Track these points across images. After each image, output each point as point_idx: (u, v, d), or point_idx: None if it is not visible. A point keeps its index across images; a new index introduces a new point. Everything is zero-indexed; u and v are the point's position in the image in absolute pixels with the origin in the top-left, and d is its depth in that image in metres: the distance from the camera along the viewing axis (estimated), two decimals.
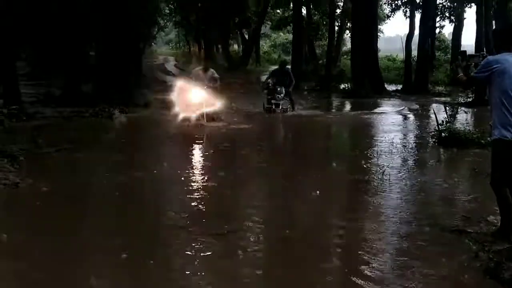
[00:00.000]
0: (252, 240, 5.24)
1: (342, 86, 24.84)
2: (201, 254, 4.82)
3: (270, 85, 15.42)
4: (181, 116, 12.55)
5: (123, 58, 16.05)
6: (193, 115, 12.51)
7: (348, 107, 19.48)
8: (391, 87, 24.93)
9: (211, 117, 12.91)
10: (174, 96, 13.05)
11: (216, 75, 13.34)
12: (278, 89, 15.08)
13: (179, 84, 13.30)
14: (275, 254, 5.06)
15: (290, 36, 37.33)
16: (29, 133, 10.80)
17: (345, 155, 10.18)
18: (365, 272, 4.49)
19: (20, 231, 5.39)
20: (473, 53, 5.73)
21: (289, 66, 16.73)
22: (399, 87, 25.01)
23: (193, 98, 12.48)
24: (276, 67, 16.45)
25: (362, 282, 4.29)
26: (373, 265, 4.61)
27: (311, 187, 7.44)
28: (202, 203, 6.42)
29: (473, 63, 5.39)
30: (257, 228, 5.59)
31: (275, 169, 8.54)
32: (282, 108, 15.31)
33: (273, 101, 15.11)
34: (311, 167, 8.91)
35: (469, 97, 19.03)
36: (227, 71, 34.26)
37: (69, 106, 15.03)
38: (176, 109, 12.84)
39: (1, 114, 10.20)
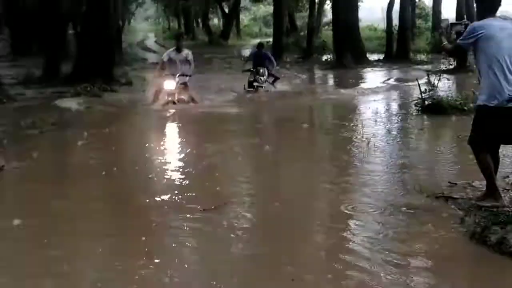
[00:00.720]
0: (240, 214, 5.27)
1: (324, 57, 24.84)
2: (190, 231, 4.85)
3: (251, 68, 14.53)
4: (154, 103, 11.76)
5: (102, 36, 15.80)
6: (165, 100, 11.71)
7: (331, 80, 19.47)
8: (373, 57, 24.94)
9: (184, 99, 11.87)
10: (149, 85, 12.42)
11: (190, 56, 12.05)
12: (261, 70, 14.25)
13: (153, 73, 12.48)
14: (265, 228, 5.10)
15: (270, 9, 36.98)
16: (11, 116, 10.70)
17: (329, 128, 10.20)
18: (352, 242, 4.54)
19: (7, 215, 5.36)
20: (455, 21, 5.70)
21: (267, 52, 15.38)
22: (381, 56, 25.04)
23: (164, 87, 11.69)
24: (257, 40, 15.65)
25: (348, 254, 4.33)
26: (360, 235, 4.66)
27: (297, 159, 7.48)
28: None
29: (454, 31, 5.37)
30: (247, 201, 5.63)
31: (262, 147, 8.54)
32: (264, 88, 14.43)
33: (255, 84, 14.26)
34: (298, 140, 8.95)
35: (451, 64, 19.09)
36: (208, 45, 34.11)
37: (50, 87, 14.89)
38: (150, 96, 12.18)
39: None
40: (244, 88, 14.46)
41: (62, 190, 6.20)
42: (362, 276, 3.90)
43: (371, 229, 4.78)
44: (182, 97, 11.78)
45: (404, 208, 5.22)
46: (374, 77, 19.05)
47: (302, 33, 30.63)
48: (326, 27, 38.59)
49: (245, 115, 11.81)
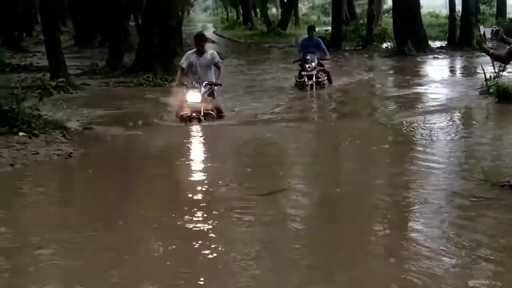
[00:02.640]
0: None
1: (384, 45, 24.44)
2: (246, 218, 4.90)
3: (300, 58, 13.06)
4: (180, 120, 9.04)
5: (163, 27, 16.06)
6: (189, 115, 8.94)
7: (392, 68, 18.98)
8: (435, 44, 24.34)
9: (212, 115, 9.06)
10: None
11: (217, 59, 9.25)
12: (308, 57, 12.70)
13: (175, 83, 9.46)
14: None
15: None
16: (78, 104, 11.06)
17: (391, 116, 10.02)
18: (415, 229, 4.51)
19: (76, 198, 5.58)
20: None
21: (319, 38, 13.66)
22: (444, 43, 24.41)
23: (187, 101, 8.89)
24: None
25: (411, 240, 4.30)
26: (423, 222, 4.61)
27: (358, 146, 7.45)
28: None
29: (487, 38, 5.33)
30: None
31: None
32: (317, 80, 12.79)
33: (303, 73, 12.71)
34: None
35: None
36: (266, 35, 34.13)
37: (114, 77, 15.31)
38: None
39: (49, 87, 10.43)
40: (295, 82, 13.07)
41: (126, 177, 6.39)
42: (428, 264, 3.86)
43: (435, 217, 4.72)
44: (211, 113, 9.02)
45: (470, 197, 5.12)
46: (436, 65, 18.62)
47: (361, 21, 30.20)
48: (386, 14, 37.91)
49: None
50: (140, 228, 4.70)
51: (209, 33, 38.26)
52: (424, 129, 8.18)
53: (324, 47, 13.43)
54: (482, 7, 35.56)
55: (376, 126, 9.21)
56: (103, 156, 7.43)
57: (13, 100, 8.91)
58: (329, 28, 28.06)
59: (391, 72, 17.93)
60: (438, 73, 16.06)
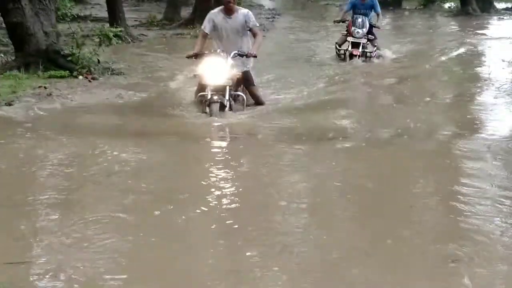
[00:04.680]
0: None
1: (446, 5, 23.62)
2: None
3: (345, 19, 10.74)
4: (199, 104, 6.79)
5: None
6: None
7: (456, 29, 18.04)
8: (500, 5, 23.31)
9: (241, 97, 6.87)
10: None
11: (252, 21, 6.85)
12: (359, 20, 10.28)
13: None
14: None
15: None
16: (135, 53, 11.14)
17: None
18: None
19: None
20: None
21: None
22: (509, 4, 23.36)
23: (207, 81, 6.48)
24: None
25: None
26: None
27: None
28: None
29: None
30: None
31: None
32: (364, 51, 10.32)
33: (350, 39, 10.28)
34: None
35: None
36: None
37: (171, 29, 15.34)
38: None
39: (109, 34, 10.48)
40: (336, 50, 10.73)
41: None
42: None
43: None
44: (240, 95, 6.85)
45: None
46: (502, 26, 17.84)
47: None
48: None
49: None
50: None
51: None
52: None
53: (380, 10, 10.69)
54: None
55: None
56: None
57: (74, 45, 9.06)
58: None
59: (455, 33, 17.08)
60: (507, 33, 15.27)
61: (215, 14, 6.85)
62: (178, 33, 14.50)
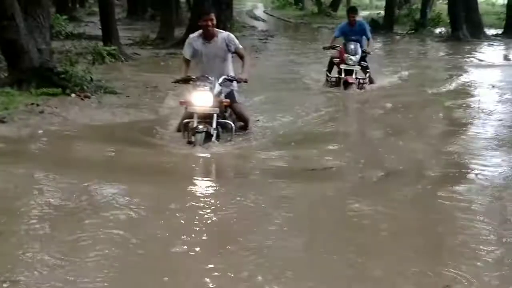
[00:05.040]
0: None
1: (437, 30, 23.90)
2: None
3: (335, 45, 10.24)
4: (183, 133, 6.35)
5: (215, 1, 16.07)
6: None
7: (446, 54, 18.22)
8: (490, 31, 23.61)
9: (229, 125, 6.36)
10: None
11: (234, 44, 6.43)
12: (352, 46, 9.86)
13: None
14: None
15: None
16: (128, 72, 11.18)
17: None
18: None
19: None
20: None
21: (361, 19, 10.93)
22: (499, 31, 23.65)
23: (198, 102, 6.05)
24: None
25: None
26: None
27: None
28: None
29: None
30: None
31: None
32: (357, 78, 9.82)
33: (343, 66, 9.80)
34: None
35: None
36: (317, 16, 33.76)
37: (164, 49, 15.41)
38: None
39: (102, 53, 10.57)
40: (327, 78, 10.32)
41: None
42: None
43: None
44: (228, 123, 6.34)
45: None
46: (492, 51, 18.06)
47: (415, 6, 29.60)
48: (441, 0, 37.02)
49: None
50: None
51: (259, 12, 38.16)
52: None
53: (370, 36, 10.42)
54: None
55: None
56: None
57: (67, 63, 9.10)
58: (381, 11, 27.56)
59: (445, 58, 17.26)
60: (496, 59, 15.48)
61: (194, 38, 6.43)
62: (171, 53, 14.53)
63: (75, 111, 7.56)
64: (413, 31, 23.76)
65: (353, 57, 9.77)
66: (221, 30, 6.60)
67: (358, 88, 9.82)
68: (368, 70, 10.20)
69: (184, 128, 6.20)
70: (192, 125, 5.99)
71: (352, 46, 9.85)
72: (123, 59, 12.86)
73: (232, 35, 6.52)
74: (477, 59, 15.71)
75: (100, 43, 13.45)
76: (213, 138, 6.01)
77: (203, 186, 5.19)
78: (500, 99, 9.53)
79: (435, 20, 24.92)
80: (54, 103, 7.72)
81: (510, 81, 11.44)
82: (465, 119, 8.11)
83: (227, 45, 6.37)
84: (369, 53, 10.23)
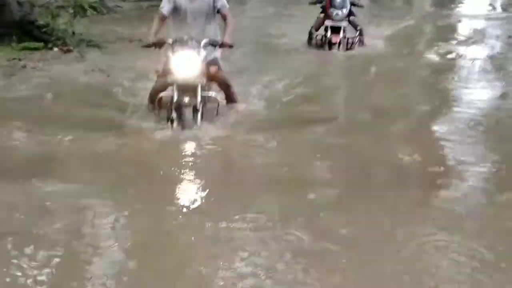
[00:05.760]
0: None
1: None
2: None
3: None
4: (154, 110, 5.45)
5: None
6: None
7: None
8: None
9: (214, 99, 5.45)
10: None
11: (222, 1, 5.46)
12: (338, 0, 8.78)
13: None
14: None
15: None
16: (111, 25, 11.02)
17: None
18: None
19: None
20: None
21: None
22: None
23: (180, 70, 5.09)
24: None
25: None
26: None
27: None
28: None
29: None
30: None
31: None
32: (345, 37, 8.74)
33: (328, 23, 8.71)
34: None
35: None
36: None
37: (146, 0, 15.13)
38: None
39: (84, 5, 10.34)
40: (310, 36, 9.10)
41: None
42: None
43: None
44: (213, 96, 5.45)
45: None
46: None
47: None
48: None
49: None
50: None
51: None
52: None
53: None
54: None
55: None
56: None
57: (48, 16, 8.95)
58: None
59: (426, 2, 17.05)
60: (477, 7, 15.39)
61: None
62: (154, 5, 14.26)
63: (58, 67, 7.47)
64: None
65: (339, 12, 8.65)
66: None
67: (347, 48, 8.68)
68: (358, 28, 8.95)
69: (158, 103, 5.29)
70: (173, 99, 5.04)
71: (338, 0, 8.72)
72: (105, 11, 12.63)
73: None
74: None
75: None
76: (199, 116, 5.08)
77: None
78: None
79: None
80: (37, 57, 7.64)
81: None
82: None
83: (214, 2, 5.43)
84: (361, 6, 9.17)
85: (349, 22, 8.87)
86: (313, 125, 5.33)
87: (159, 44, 5.21)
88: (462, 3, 16.83)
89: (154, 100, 5.32)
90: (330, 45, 8.66)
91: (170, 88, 5.18)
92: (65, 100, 6.11)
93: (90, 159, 4.45)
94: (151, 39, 5.22)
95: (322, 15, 8.97)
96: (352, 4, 8.84)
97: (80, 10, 9.67)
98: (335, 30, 8.67)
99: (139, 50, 5.70)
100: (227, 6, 5.53)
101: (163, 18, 5.38)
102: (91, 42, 8.80)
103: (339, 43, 8.63)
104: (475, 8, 15.50)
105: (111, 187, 3.91)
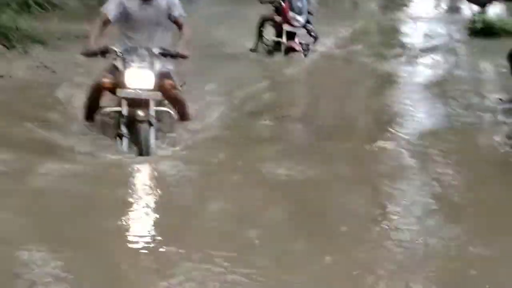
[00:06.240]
0: None
1: None
2: None
3: None
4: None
5: None
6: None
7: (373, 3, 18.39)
8: None
9: (169, 114, 4.97)
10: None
11: (178, 9, 4.97)
12: (298, 3, 8.10)
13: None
14: None
15: None
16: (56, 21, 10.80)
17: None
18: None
19: None
20: None
21: None
22: None
23: (130, 82, 4.57)
24: None
25: None
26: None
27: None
28: None
29: None
30: None
31: None
32: (301, 43, 8.23)
33: (286, 28, 8.02)
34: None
35: None
36: None
37: None
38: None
39: (29, 1, 10.12)
40: (257, 42, 8.48)
41: None
42: None
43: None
44: (167, 111, 4.93)
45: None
46: (423, 1, 18.39)
47: None
48: None
49: None
50: None
51: None
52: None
53: None
54: None
55: None
56: None
57: None
58: None
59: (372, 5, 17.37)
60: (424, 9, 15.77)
61: None
62: (101, 2, 14.07)
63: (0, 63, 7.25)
64: None
65: (299, 18, 8.04)
66: None
67: (301, 53, 8.21)
68: (313, 35, 8.46)
69: (103, 117, 4.76)
70: (122, 113, 4.50)
71: (298, 3, 8.07)
72: (50, 8, 12.35)
73: None
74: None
75: None
76: (151, 134, 4.49)
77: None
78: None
79: None
80: None
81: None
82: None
83: (170, 8, 4.89)
84: (311, 14, 8.51)
85: (306, 30, 8.33)
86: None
87: (104, 52, 4.63)
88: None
89: (93, 114, 4.82)
90: (288, 51, 8.08)
91: (108, 99, 4.74)
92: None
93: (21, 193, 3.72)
94: (91, 44, 4.62)
95: (277, 18, 8.21)
96: (308, 12, 8.30)
97: (24, 6, 9.43)
98: (291, 36, 8.09)
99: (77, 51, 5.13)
100: (184, 14, 4.98)
101: (106, 22, 4.80)
102: (35, 38, 8.58)
103: (293, 49, 8.07)
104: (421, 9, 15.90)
105: (46, 227, 3.29)
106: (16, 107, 5.45)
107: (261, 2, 8.50)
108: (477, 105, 6.18)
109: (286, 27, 8.00)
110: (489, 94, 6.64)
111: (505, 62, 6.08)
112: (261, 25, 8.44)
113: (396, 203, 3.82)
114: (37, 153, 4.26)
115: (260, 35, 8.46)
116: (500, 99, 6.06)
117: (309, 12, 8.30)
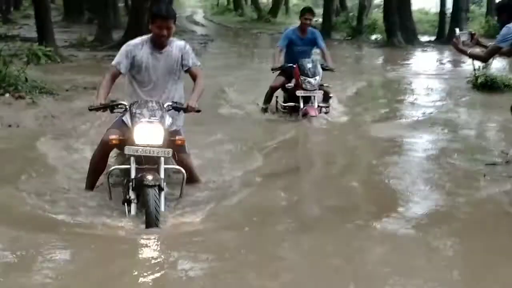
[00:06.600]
0: None
1: (373, 37, 24.59)
2: None
3: (285, 64, 7.85)
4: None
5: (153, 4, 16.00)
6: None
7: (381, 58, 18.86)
8: (423, 38, 24.42)
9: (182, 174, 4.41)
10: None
11: (192, 58, 4.65)
12: (308, 65, 7.56)
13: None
14: None
15: None
16: (65, 73, 10.97)
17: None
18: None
19: None
20: (461, 31, 5.87)
21: (315, 30, 8.24)
22: (432, 38, 24.50)
23: (139, 139, 4.18)
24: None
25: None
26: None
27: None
28: None
29: (463, 40, 5.55)
30: None
31: None
32: (319, 106, 7.61)
33: (299, 93, 7.49)
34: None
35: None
36: (256, 22, 34.02)
37: (102, 51, 15.20)
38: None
39: (38, 53, 10.31)
40: (280, 106, 8.08)
41: None
42: None
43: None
44: (180, 170, 4.45)
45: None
46: (426, 57, 18.70)
47: (351, 13, 30.32)
48: (377, 9, 37.98)
49: None
50: None
51: (199, 18, 38.12)
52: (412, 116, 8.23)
53: (324, 45, 8.11)
54: (471, 6, 35.74)
55: None
56: None
57: (0, 63, 8.84)
58: (319, 19, 28.10)
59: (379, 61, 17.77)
60: (427, 64, 15.99)
61: (137, 46, 4.56)
62: (109, 55, 14.33)
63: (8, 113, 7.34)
64: (350, 38, 24.30)
65: (312, 80, 7.45)
66: (174, 38, 4.72)
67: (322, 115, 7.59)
68: (331, 95, 7.98)
69: (107, 179, 4.34)
70: (131, 176, 4.15)
71: (309, 65, 7.52)
72: (59, 60, 12.60)
73: (189, 46, 4.75)
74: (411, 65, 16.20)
75: (36, 45, 13.17)
76: (162, 199, 4.12)
77: None
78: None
79: (371, 27, 25.59)
80: None
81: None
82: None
83: (183, 57, 4.61)
84: (332, 70, 7.92)
85: (322, 90, 7.70)
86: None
87: (112, 107, 4.38)
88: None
89: (96, 180, 4.52)
90: (305, 115, 7.43)
91: (116, 159, 4.51)
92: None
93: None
94: (100, 99, 4.32)
95: (288, 86, 7.83)
96: (323, 69, 7.71)
97: (33, 58, 9.62)
98: (307, 100, 7.56)
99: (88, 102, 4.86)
100: (199, 63, 4.71)
101: (116, 75, 4.54)
102: (44, 89, 8.71)
103: (314, 115, 7.39)
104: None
105: None
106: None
107: (273, 70, 7.96)
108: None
109: (299, 93, 7.48)
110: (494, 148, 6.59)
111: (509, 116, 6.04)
112: (271, 95, 8.08)
113: None
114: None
115: (270, 100, 8.10)
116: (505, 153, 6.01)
117: (324, 69, 7.75)
